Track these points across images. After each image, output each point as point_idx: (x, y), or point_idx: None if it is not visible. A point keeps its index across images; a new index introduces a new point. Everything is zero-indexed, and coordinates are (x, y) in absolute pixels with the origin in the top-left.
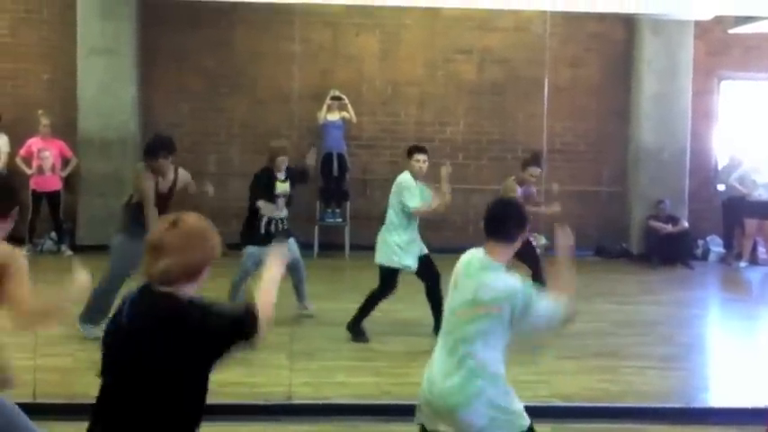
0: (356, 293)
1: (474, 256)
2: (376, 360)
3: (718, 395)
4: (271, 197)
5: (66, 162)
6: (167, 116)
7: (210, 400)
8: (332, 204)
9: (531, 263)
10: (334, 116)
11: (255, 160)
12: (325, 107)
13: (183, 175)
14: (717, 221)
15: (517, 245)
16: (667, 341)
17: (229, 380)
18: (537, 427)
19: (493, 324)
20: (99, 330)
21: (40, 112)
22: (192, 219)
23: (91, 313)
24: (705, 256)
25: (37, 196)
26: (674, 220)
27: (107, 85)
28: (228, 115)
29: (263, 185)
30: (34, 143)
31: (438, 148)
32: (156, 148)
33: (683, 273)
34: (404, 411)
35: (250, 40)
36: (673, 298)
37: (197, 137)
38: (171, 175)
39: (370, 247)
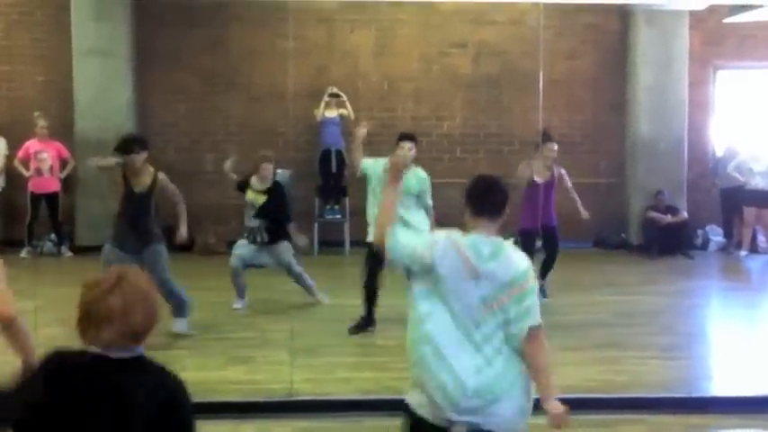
0: (357, 290)
1: (474, 239)
2: (377, 355)
3: (720, 384)
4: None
5: (63, 164)
6: (164, 116)
7: (213, 397)
8: (331, 201)
9: (552, 248)
10: (331, 113)
11: (253, 158)
12: (322, 104)
13: (162, 181)
14: (716, 211)
15: (503, 221)
16: (668, 331)
17: (231, 377)
18: (539, 418)
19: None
20: None
21: (36, 114)
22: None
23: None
24: (705, 246)
25: (35, 198)
26: (672, 210)
27: (103, 86)
28: (225, 114)
29: (238, 189)
30: (32, 145)
31: (435, 143)
32: (127, 143)
33: (683, 263)
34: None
35: (245, 38)
36: (673, 288)
37: (194, 136)
38: (147, 177)
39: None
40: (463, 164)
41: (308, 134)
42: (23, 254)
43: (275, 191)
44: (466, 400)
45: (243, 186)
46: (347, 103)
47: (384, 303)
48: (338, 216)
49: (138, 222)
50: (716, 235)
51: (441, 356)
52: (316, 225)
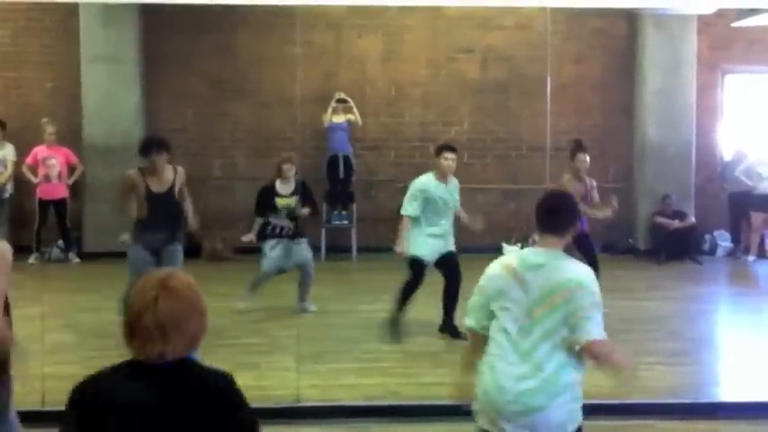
0: (363, 295)
1: (526, 251)
2: (384, 361)
3: (728, 390)
4: (273, 211)
5: (72, 170)
6: (171, 122)
7: None
8: (338, 206)
9: (588, 253)
10: (339, 118)
11: (260, 164)
12: (330, 109)
13: (181, 174)
14: (724, 216)
15: (569, 239)
16: (676, 336)
17: (238, 383)
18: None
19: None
20: None
21: (44, 120)
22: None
23: None
24: (713, 251)
25: (43, 204)
26: (680, 215)
27: (111, 91)
28: (232, 120)
29: (265, 202)
30: (40, 151)
31: None
32: (147, 144)
33: (691, 268)
34: (413, 412)
35: (252, 43)
36: (681, 293)
37: (201, 142)
38: (169, 176)
39: (377, 249)
40: (471, 169)
41: (315, 140)
42: (31, 260)
43: (304, 190)
44: (509, 406)
45: (269, 195)
46: (354, 109)
47: (389, 310)
48: (345, 222)
49: (164, 223)
50: (724, 240)
51: (491, 366)
52: (323, 231)
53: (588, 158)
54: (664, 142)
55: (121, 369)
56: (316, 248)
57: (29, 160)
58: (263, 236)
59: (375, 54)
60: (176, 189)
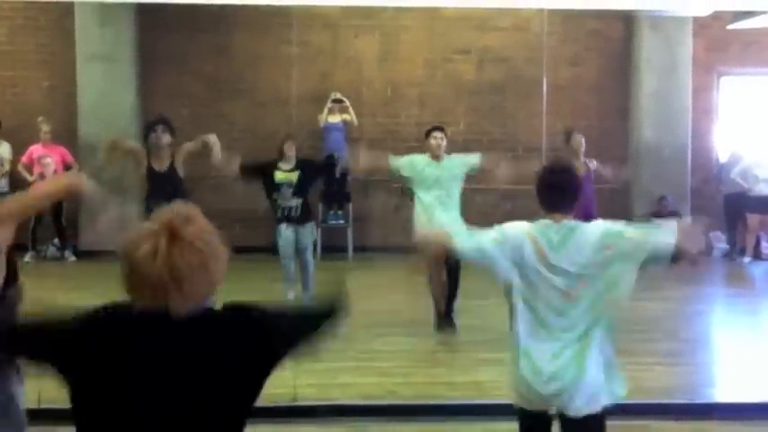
0: (359, 295)
1: (544, 227)
2: (380, 360)
3: (724, 390)
4: (272, 186)
5: (67, 168)
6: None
7: None
8: (334, 206)
9: None
10: (335, 118)
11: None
12: (326, 110)
13: (180, 149)
14: (719, 217)
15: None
16: (672, 337)
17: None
18: None
19: (612, 269)
20: None
21: (40, 118)
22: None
23: None
24: (709, 253)
25: None
26: (676, 216)
27: (107, 91)
28: (228, 119)
29: (267, 179)
30: (35, 150)
31: None
32: (152, 123)
33: (687, 269)
34: (409, 411)
35: (249, 43)
36: (677, 294)
37: None
38: (168, 155)
39: (373, 249)
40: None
41: (311, 140)
42: (27, 258)
43: (306, 165)
44: (544, 386)
45: (267, 171)
46: (350, 109)
47: (386, 309)
48: (341, 221)
49: (160, 202)
50: (719, 241)
51: (525, 349)
52: (319, 230)
53: (583, 139)
54: (660, 144)
55: (134, 319)
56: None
57: (24, 159)
58: (276, 219)
59: (371, 54)
60: (178, 165)
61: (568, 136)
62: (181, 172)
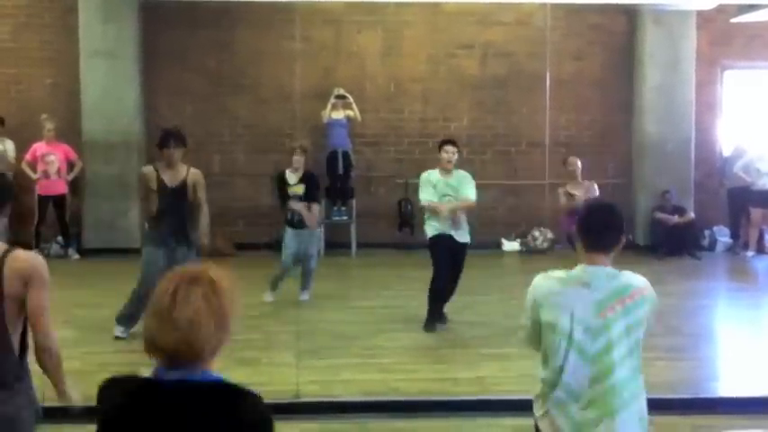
0: (363, 291)
1: (575, 272)
2: (382, 357)
3: (727, 385)
4: (286, 195)
5: (71, 166)
6: (171, 118)
7: None
8: (337, 202)
9: None
10: (338, 114)
11: (259, 160)
12: (329, 105)
13: (195, 174)
14: (723, 211)
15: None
16: (675, 332)
17: (236, 379)
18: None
19: (637, 315)
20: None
21: (43, 116)
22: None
23: (126, 316)
24: (712, 247)
25: (43, 201)
26: (680, 210)
27: (110, 87)
28: (232, 115)
29: (277, 189)
30: (39, 148)
31: None
32: (165, 137)
33: (691, 263)
34: (411, 407)
35: (251, 39)
36: (680, 288)
37: (201, 138)
38: (182, 172)
39: (377, 245)
40: (470, 165)
41: (314, 135)
42: None
43: (309, 179)
44: (581, 413)
45: (281, 184)
46: (353, 105)
47: (389, 305)
48: (345, 217)
49: (174, 219)
50: (723, 235)
51: (557, 372)
52: (322, 226)
53: (579, 162)
54: (663, 138)
55: (139, 385)
56: None
57: (28, 156)
58: (285, 221)
59: (374, 50)
60: (189, 187)
61: (565, 161)
62: (190, 193)
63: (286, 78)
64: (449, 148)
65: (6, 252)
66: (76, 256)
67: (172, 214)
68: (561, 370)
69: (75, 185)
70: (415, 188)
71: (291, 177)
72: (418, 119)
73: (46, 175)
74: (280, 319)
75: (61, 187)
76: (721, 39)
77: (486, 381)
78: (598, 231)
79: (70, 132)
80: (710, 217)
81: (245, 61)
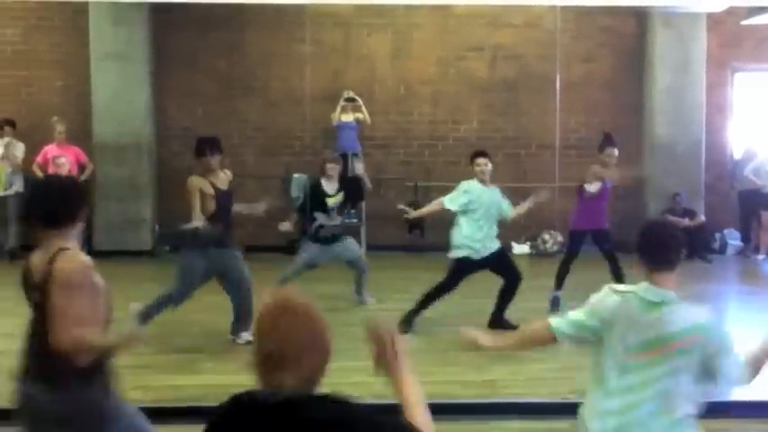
0: (373, 293)
1: (642, 288)
2: None
3: (740, 388)
4: (324, 209)
5: (82, 168)
6: (181, 120)
7: None
8: (347, 205)
9: (608, 250)
10: (348, 117)
11: (269, 162)
12: (339, 108)
13: (230, 176)
14: (734, 214)
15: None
16: None
17: (246, 382)
18: (557, 423)
19: (684, 362)
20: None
21: (54, 118)
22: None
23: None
24: (723, 250)
25: None
26: (690, 213)
27: (121, 90)
28: (241, 118)
29: (314, 201)
30: (50, 150)
31: (452, 147)
32: (200, 146)
33: (701, 266)
34: None
35: (261, 42)
36: (690, 292)
37: None
38: (225, 177)
39: (387, 247)
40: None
41: (324, 138)
42: None
43: (347, 183)
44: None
45: (318, 194)
46: (363, 107)
47: (401, 307)
48: (354, 220)
49: (227, 221)
50: (734, 238)
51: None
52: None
53: (616, 152)
54: (673, 140)
55: (242, 401)
56: None
57: (39, 159)
58: (313, 236)
59: (384, 52)
60: (233, 191)
61: (603, 146)
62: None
63: (296, 81)
64: (480, 160)
65: (58, 251)
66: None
67: (226, 217)
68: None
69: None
70: (425, 190)
71: (329, 187)
72: (428, 121)
73: None
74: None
75: None
76: (732, 41)
77: (497, 384)
78: (660, 246)
79: (81, 135)
80: (721, 220)
81: (255, 64)
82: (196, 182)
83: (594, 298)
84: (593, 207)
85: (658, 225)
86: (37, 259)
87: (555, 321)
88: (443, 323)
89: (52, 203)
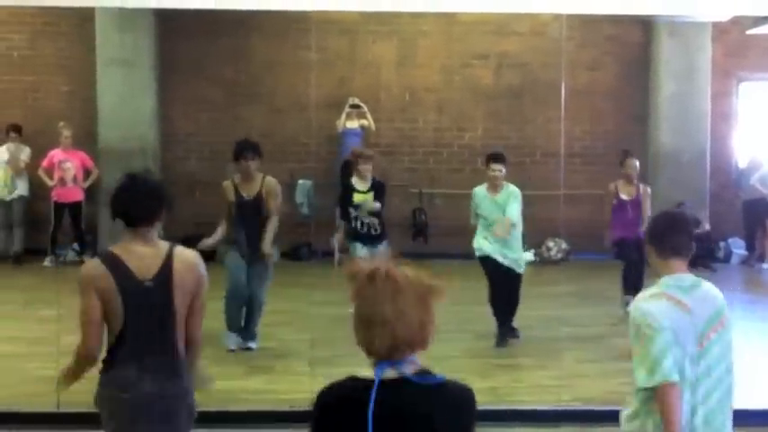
0: None
1: (671, 283)
2: None
3: (741, 397)
4: (351, 208)
5: (87, 173)
6: (186, 126)
7: (233, 407)
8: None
9: (639, 261)
10: (352, 124)
11: (274, 169)
12: (344, 115)
13: (269, 184)
14: (738, 223)
15: None
16: None
17: (251, 387)
18: (559, 431)
19: (730, 336)
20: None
21: (61, 123)
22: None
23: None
24: (727, 259)
25: (59, 207)
26: (695, 222)
27: (126, 96)
28: (246, 124)
29: (342, 199)
30: (56, 155)
31: (457, 154)
32: (239, 149)
33: (705, 275)
34: None
35: (267, 49)
36: None
37: (216, 146)
38: (257, 183)
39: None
40: (484, 175)
41: (329, 145)
42: (46, 262)
43: (378, 188)
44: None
45: (347, 190)
46: (368, 114)
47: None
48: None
49: (249, 231)
50: (738, 247)
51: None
52: (336, 235)
53: (638, 164)
54: (678, 149)
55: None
56: (329, 254)
57: (45, 163)
58: (352, 236)
59: (389, 60)
60: (263, 198)
61: (623, 160)
62: (265, 204)
63: (301, 88)
64: (494, 166)
65: (172, 247)
66: None
67: (247, 227)
68: None
69: (90, 193)
70: (429, 198)
71: (359, 184)
72: (432, 128)
73: (62, 182)
74: (293, 327)
75: (77, 194)
76: (737, 50)
77: (499, 391)
78: (666, 235)
79: (86, 140)
80: (726, 229)
81: (261, 70)
82: (223, 187)
83: (641, 321)
84: (628, 217)
85: (669, 214)
86: (137, 256)
87: (664, 375)
88: (443, 330)
89: (157, 201)
